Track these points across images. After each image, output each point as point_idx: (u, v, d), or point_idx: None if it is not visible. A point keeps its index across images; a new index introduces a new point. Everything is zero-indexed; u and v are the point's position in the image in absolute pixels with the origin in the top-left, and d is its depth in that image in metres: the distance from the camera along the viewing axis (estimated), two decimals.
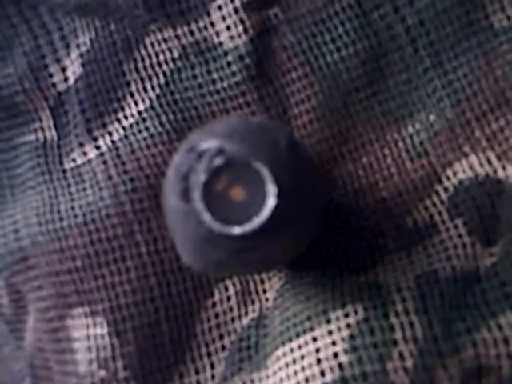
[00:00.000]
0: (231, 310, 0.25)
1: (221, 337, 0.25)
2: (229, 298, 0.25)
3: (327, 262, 0.23)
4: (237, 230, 0.18)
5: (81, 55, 0.26)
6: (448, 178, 0.24)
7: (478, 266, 0.22)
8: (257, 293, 0.25)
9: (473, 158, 0.24)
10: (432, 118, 0.25)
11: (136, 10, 0.26)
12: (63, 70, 0.26)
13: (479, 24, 0.24)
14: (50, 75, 0.27)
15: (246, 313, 0.25)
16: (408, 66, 0.25)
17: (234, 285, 0.25)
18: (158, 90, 0.26)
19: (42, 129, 0.27)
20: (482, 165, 0.23)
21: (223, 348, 0.24)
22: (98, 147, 0.26)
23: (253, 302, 0.25)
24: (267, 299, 0.24)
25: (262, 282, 0.25)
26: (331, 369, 0.20)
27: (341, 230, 0.24)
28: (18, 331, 0.27)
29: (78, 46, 0.26)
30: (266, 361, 0.22)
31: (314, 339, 0.21)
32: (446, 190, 0.23)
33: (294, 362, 0.21)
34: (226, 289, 0.25)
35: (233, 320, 0.25)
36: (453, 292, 0.21)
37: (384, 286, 0.21)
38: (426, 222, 0.23)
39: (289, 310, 0.23)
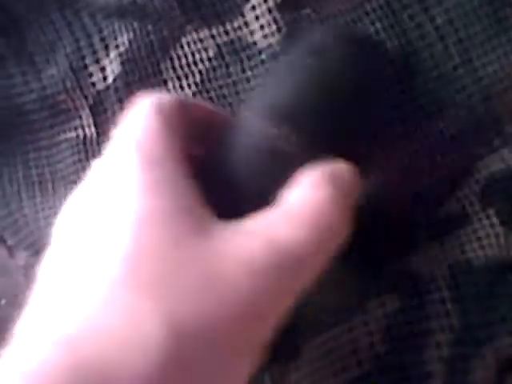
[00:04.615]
0: None
1: None
2: None
3: (362, 253, 0.23)
4: None
5: (119, 55, 0.27)
6: (479, 171, 0.24)
7: (511, 256, 0.22)
8: None
9: (504, 152, 0.24)
10: (462, 113, 0.25)
11: (172, 12, 0.27)
12: (102, 69, 0.28)
13: (508, 21, 0.25)
14: (90, 75, 0.28)
15: None
16: (437, 64, 0.25)
17: None
18: (193, 88, 0.27)
19: (82, 126, 0.28)
20: None
21: None
22: None
23: None
24: None
25: None
26: (368, 359, 0.20)
27: (375, 222, 0.24)
28: None
29: (116, 46, 0.27)
30: (301, 350, 0.23)
31: (350, 329, 0.22)
32: (477, 181, 0.24)
33: (330, 351, 0.22)
34: None
35: None
36: (487, 281, 0.21)
37: (418, 275, 0.22)
38: (458, 212, 0.23)
39: (324, 299, 0.23)
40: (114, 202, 0.17)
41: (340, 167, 0.19)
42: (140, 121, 0.19)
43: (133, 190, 0.17)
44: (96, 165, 0.19)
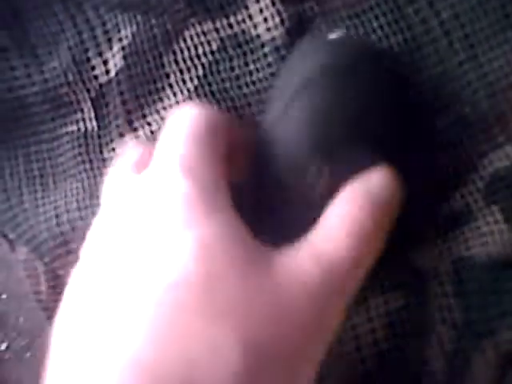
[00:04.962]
0: None
1: None
2: None
3: None
4: None
5: (122, 48, 0.27)
6: (484, 167, 0.24)
7: None
8: None
9: (508, 148, 0.24)
10: (467, 109, 0.25)
11: (176, 5, 0.27)
12: (105, 62, 0.27)
13: None
14: (93, 68, 0.28)
15: None
16: (442, 59, 0.25)
17: None
18: (196, 82, 0.26)
19: (84, 119, 0.28)
20: None
21: None
22: (137, 137, 0.27)
23: None
24: None
25: None
26: (371, 356, 0.20)
27: None
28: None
29: (119, 39, 0.27)
30: None
31: (353, 327, 0.21)
32: (481, 178, 0.24)
33: (333, 349, 0.21)
34: None
35: None
36: (490, 277, 0.21)
37: (422, 271, 0.21)
38: (463, 209, 0.23)
39: None
40: (170, 228, 0.17)
41: (377, 178, 0.19)
42: (188, 141, 0.18)
43: (189, 218, 0.17)
44: (143, 185, 0.18)
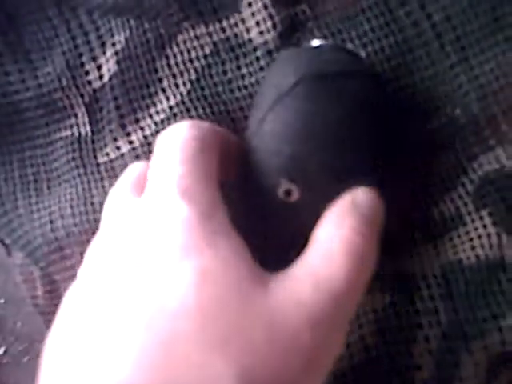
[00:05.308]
0: None
1: None
2: None
3: None
4: None
5: (116, 53, 0.27)
6: (474, 170, 0.24)
7: (503, 256, 0.22)
8: None
9: (499, 151, 0.24)
10: (458, 112, 0.25)
11: (169, 9, 0.27)
12: (98, 67, 0.28)
13: (506, 19, 0.25)
14: (86, 73, 0.28)
15: None
16: (434, 62, 0.25)
17: None
18: (188, 86, 0.27)
19: (78, 124, 0.28)
20: (508, 157, 0.24)
21: None
22: (130, 142, 0.27)
23: None
24: None
25: None
26: (358, 351, 0.21)
27: None
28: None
29: (113, 44, 0.27)
30: None
31: None
32: (471, 181, 0.24)
33: None
34: None
35: None
36: (478, 280, 0.21)
37: (410, 273, 0.22)
38: (452, 213, 0.23)
39: None
40: (170, 255, 0.16)
41: (361, 195, 0.19)
42: (182, 161, 0.18)
43: (190, 244, 0.16)
44: (142, 210, 0.18)
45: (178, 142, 0.19)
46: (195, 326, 0.15)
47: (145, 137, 0.27)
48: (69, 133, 0.28)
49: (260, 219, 0.20)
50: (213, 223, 0.17)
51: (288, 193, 0.19)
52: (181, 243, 0.17)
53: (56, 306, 0.28)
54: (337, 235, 0.18)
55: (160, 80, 0.27)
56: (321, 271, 0.17)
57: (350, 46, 0.26)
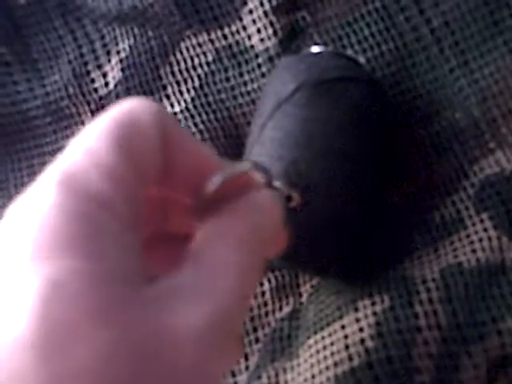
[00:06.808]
0: (266, 304, 0.26)
1: (255, 329, 0.26)
2: (263, 293, 0.26)
3: (358, 258, 0.24)
4: None
5: (120, 61, 0.28)
6: (475, 174, 0.24)
7: (503, 259, 0.22)
8: (291, 288, 0.26)
9: (499, 154, 0.24)
10: (458, 115, 0.25)
11: (172, 17, 0.27)
12: (104, 75, 0.28)
13: (504, 23, 0.25)
14: (92, 81, 0.28)
15: (281, 307, 0.26)
16: (434, 66, 0.26)
17: (269, 281, 0.26)
18: (192, 93, 0.27)
19: None
20: (508, 160, 0.24)
21: (257, 340, 0.25)
22: None
23: (287, 297, 0.26)
24: (300, 294, 0.25)
25: (296, 277, 0.26)
26: (358, 354, 0.21)
27: (371, 227, 0.24)
28: None
29: (118, 52, 0.28)
30: (298, 350, 0.23)
31: (343, 327, 0.22)
32: (472, 185, 0.24)
33: (324, 348, 0.22)
34: (261, 284, 0.26)
35: (267, 314, 0.26)
36: (478, 283, 0.21)
37: (410, 277, 0.22)
38: (453, 216, 0.24)
39: (323, 302, 0.23)
40: (16, 259, 0.12)
41: (252, 199, 0.16)
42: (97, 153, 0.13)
43: (46, 245, 0.12)
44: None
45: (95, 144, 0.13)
46: (35, 365, 0.12)
47: None
48: None
49: None
50: (95, 221, 0.12)
51: (289, 198, 0.19)
52: (37, 244, 0.12)
53: None
54: (221, 244, 0.15)
55: (164, 87, 0.27)
56: (203, 287, 0.14)
57: (350, 51, 0.26)
